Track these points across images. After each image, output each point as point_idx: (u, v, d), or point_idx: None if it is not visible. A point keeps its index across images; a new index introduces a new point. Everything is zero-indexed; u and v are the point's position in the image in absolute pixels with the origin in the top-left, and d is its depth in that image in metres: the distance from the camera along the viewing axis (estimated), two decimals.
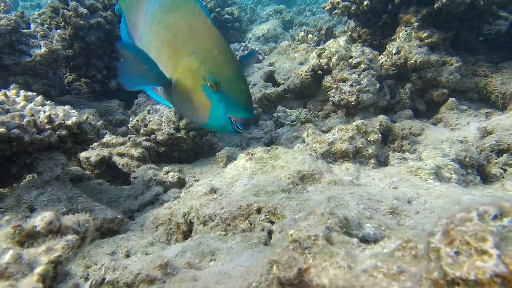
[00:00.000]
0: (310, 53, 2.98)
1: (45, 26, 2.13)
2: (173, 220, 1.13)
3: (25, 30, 1.80)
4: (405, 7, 1.97)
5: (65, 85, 2.33)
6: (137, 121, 1.78)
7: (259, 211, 0.99)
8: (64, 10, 2.00)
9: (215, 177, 1.25)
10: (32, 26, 1.84)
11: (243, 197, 1.04)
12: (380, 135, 1.26)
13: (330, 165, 1.23)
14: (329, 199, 0.91)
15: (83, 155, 1.57)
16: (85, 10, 2.03)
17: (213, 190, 1.14)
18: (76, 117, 1.12)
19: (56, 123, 1.07)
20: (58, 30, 1.88)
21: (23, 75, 1.83)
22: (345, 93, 1.93)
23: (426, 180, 1.10)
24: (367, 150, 1.22)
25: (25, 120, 0.98)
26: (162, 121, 1.79)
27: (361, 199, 0.90)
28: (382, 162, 1.25)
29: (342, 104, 1.94)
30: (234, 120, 1.12)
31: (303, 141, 1.40)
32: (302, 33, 3.12)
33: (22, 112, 1.00)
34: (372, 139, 1.24)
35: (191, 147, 1.84)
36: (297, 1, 9.51)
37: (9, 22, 1.67)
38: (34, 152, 1.05)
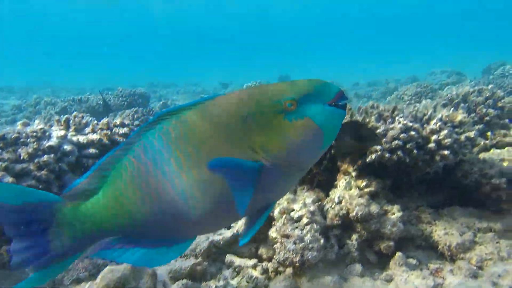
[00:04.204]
0: None
1: None
2: None
3: None
4: (341, 157, 2.00)
5: None
6: None
7: None
8: None
9: None
10: None
11: None
12: None
13: None
14: None
15: None
16: None
17: None
18: None
19: None
20: None
21: None
22: (289, 251, 1.82)
23: None
24: None
25: None
26: None
27: None
28: None
29: (287, 263, 1.81)
30: (332, 103, 0.94)
31: None
32: None
33: None
34: None
35: None
36: None
37: None
38: None
